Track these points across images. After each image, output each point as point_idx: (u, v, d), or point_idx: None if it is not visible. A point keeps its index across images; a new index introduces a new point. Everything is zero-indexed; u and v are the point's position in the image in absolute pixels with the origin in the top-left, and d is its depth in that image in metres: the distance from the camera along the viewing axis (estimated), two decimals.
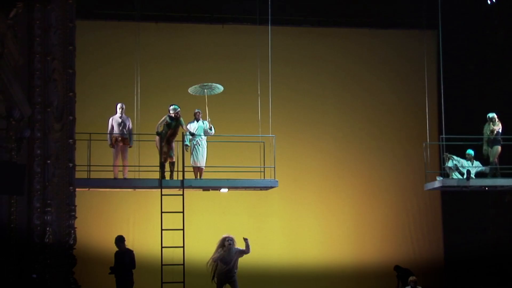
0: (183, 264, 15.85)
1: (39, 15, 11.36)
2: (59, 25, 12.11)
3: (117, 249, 15.20)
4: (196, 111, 17.44)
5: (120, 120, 16.98)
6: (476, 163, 18.39)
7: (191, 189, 17.23)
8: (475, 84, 21.80)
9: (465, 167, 18.14)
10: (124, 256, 14.97)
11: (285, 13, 20.32)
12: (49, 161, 11.31)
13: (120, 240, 15.19)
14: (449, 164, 18.26)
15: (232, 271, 15.09)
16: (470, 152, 18.41)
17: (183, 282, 15.86)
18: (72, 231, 12.93)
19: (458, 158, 18.32)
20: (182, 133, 17.02)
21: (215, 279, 15.05)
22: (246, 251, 15.15)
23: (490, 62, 21.91)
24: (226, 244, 14.94)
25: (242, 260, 20.76)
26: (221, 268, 14.95)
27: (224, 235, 15.22)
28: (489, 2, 21.40)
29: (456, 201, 21.72)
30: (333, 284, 21.22)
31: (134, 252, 15.22)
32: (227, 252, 14.91)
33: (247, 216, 21.10)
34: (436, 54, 20.47)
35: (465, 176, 18.01)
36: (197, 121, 17.30)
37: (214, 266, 15.02)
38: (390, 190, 22.02)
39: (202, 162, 17.22)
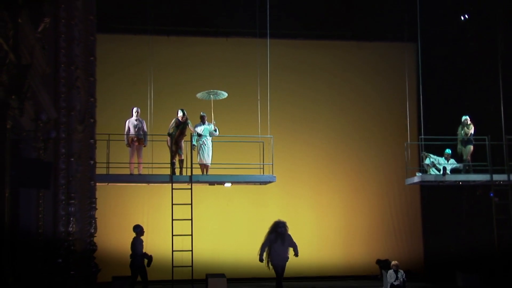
0: (191, 250, 15.89)
1: (64, 29, 11.40)
2: (81, 38, 12.15)
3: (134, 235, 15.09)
4: (203, 114, 17.49)
5: (135, 122, 17.04)
6: (451, 160, 18.45)
7: (199, 184, 17.30)
8: (450, 90, 21.81)
9: (441, 164, 18.19)
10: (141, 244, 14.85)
11: (281, 28, 20.32)
12: (72, 159, 11.33)
13: (138, 228, 15.05)
14: (427, 161, 18.34)
15: (284, 257, 13.87)
16: (448, 151, 18.48)
17: (191, 266, 15.88)
18: (93, 221, 13.00)
19: (435, 156, 18.38)
20: (190, 134, 17.08)
21: (270, 266, 13.92)
22: (295, 252, 14.07)
23: (464, 70, 21.91)
24: (278, 230, 13.79)
25: (247, 246, 20.91)
26: (274, 254, 13.70)
27: (276, 220, 14.11)
28: (462, 18, 21.52)
29: (434, 194, 21.74)
30: (324, 263, 21.30)
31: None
32: (280, 237, 13.76)
33: (248, 207, 21.11)
34: (416, 64, 20.49)
35: (441, 172, 18.07)
36: (204, 124, 17.36)
37: (267, 252, 13.75)
38: (375, 183, 22.03)
39: (208, 160, 17.28)
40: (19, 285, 7.75)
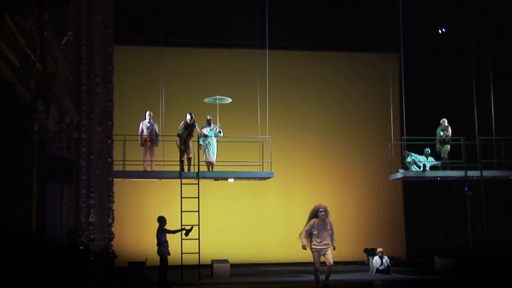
0: (198, 239, 15.88)
1: (85, 42, 11.45)
2: (100, 50, 12.17)
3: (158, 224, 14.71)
4: (209, 118, 17.50)
5: (148, 124, 17.04)
6: (430, 158, 18.48)
7: (205, 179, 17.28)
8: (430, 96, 21.83)
9: (421, 161, 18.22)
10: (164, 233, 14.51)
11: (279, 40, 20.36)
12: (92, 157, 11.37)
13: (161, 219, 14.73)
14: (408, 159, 18.35)
15: (326, 243, 11.66)
16: (428, 150, 18.51)
17: (198, 253, 15.87)
18: (111, 212, 12.97)
19: (416, 155, 18.40)
20: (198, 134, 17.10)
21: (313, 253, 11.75)
22: (332, 242, 11.76)
23: (441, 78, 21.94)
24: (319, 214, 11.68)
25: (248, 234, 20.92)
26: (315, 240, 11.67)
27: (317, 205, 11.95)
28: (440, 32, 21.57)
29: (415, 188, 21.80)
30: None
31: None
32: (320, 222, 11.63)
33: (249, 200, 21.13)
34: (399, 72, 20.46)
35: (421, 169, 18.10)
36: (209, 126, 17.35)
37: (307, 238, 11.73)
38: (363, 178, 22.03)
39: (213, 158, 17.28)
40: (46, 269, 7.79)
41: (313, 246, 11.72)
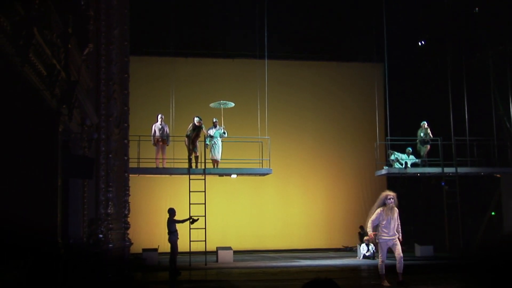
0: (205, 228, 15.91)
1: (104, 52, 11.47)
2: (118, 60, 12.22)
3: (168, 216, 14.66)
4: (214, 120, 17.52)
5: (160, 126, 17.08)
6: (411, 156, 18.49)
7: (210, 175, 17.31)
8: (411, 101, 21.83)
9: (403, 159, 18.24)
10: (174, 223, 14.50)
11: (277, 51, 20.35)
12: (110, 155, 11.39)
13: (171, 210, 14.69)
14: (392, 157, 18.38)
15: (393, 234, 9.81)
16: (409, 149, 18.53)
17: (205, 240, 15.90)
18: (127, 204, 13.01)
19: (398, 153, 18.41)
20: (204, 135, 17.12)
21: (380, 244, 9.97)
22: (399, 233, 9.97)
23: (421, 85, 21.98)
24: (387, 202, 9.79)
25: (249, 224, 20.91)
26: (383, 231, 9.79)
27: (385, 193, 10.07)
28: (420, 44, 21.60)
29: (398, 183, 21.77)
30: (310, 237, 21.37)
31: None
32: (389, 211, 9.76)
33: (250, 194, 21.14)
34: (384, 80, 20.53)
35: (403, 166, 18.12)
36: (215, 127, 17.38)
37: (373, 228, 9.86)
38: (351, 174, 22.04)
39: (218, 156, 17.31)
40: (69, 255, 7.82)
41: (381, 237, 9.82)
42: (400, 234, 9.95)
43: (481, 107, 19.07)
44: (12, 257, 6.18)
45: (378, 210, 9.82)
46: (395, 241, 9.71)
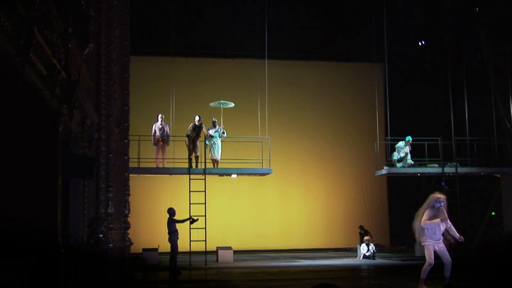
0: (205, 228, 15.92)
1: (104, 52, 11.46)
2: (118, 59, 12.22)
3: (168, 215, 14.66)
4: (214, 120, 17.53)
5: (160, 126, 17.09)
6: (408, 153, 18.12)
7: (210, 175, 17.33)
8: (411, 101, 21.88)
9: (401, 147, 17.84)
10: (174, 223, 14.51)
11: (277, 51, 20.39)
12: (111, 155, 11.39)
13: (170, 210, 14.69)
14: (394, 157, 18.23)
15: (440, 238, 9.43)
16: (408, 138, 17.99)
17: (205, 240, 15.92)
18: (127, 204, 13.05)
19: (399, 144, 18.04)
20: (204, 135, 17.12)
21: (427, 247, 9.47)
22: (454, 233, 9.59)
23: (421, 85, 21.99)
24: (437, 205, 9.37)
25: (249, 224, 20.91)
26: (429, 233, 9.40)
27: (435, 195, 9.58)
28: (420, 44, 21.61)
29: (398, 183, 21.82)
30: (310, 237, 21.40)
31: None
32: (439, 214, 9.36)
33: (250, 194, 21.18)
34: (384, 79, 20.54)
35: (401, 164, 18.04)
36: (215, 127, 17.39)
37: (421, 230, 9.44)
38: (351, 174, 22.09)
39: (218, 156, 17.32)
40: (70, 254, 7.82)
41: (427, 240, 9.40)
42: (456, 233, 9.61)
43: (481, 107, 19.07)
44: (12, 257, 6.19)
45: (430, 213, 9.41)
46: (442, 245, 9.40)
